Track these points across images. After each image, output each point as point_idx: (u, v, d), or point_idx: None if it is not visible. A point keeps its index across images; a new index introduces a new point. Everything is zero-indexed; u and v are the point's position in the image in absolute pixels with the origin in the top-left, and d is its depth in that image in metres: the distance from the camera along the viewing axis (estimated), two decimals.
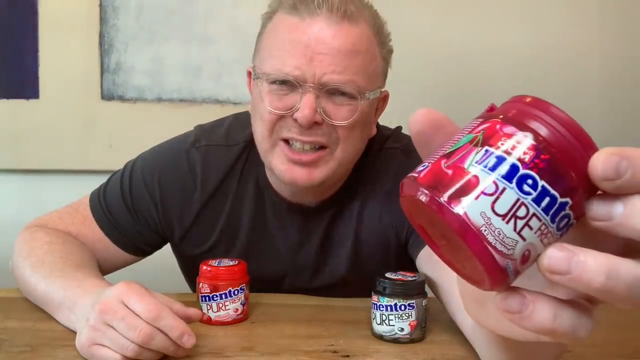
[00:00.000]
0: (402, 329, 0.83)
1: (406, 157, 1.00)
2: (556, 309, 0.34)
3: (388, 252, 1.01)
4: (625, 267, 0.32)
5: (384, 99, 0.97)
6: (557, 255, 0.32)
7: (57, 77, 1.71)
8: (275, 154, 0.91)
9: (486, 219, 0.32)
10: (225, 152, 1.02)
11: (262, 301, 0.98)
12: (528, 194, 0.32)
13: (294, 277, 1.04)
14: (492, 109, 0.37)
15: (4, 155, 1.74)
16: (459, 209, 0.32)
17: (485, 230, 0.32)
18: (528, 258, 0.33)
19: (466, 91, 1.77)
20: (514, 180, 0.32)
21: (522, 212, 0.32)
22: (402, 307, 0.82)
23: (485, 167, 0.33)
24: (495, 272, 0.33)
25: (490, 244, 0.32)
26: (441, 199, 0.33)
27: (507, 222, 0.32)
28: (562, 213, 0.33)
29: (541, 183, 0.32)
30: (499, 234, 0.32)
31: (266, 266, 1.03)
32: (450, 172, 0.33)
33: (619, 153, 0.31)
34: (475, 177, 0.33)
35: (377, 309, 0.84)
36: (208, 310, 0.89)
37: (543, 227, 0.32)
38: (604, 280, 0.32)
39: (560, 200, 0.33)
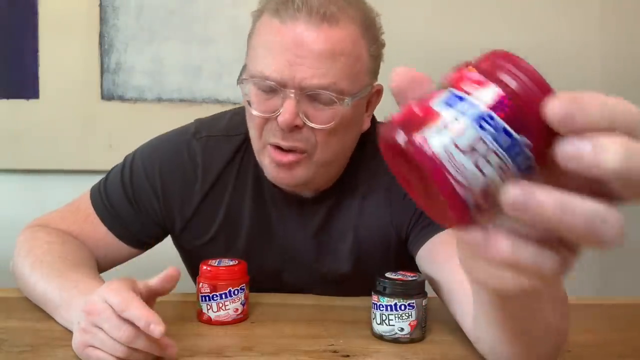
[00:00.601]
0: (402, 329, 0.83)
1: None
2: (515, 240, 0.36)
3: (388, 250, 1.01)
4: (582, 204, 0.34)
5: (377, 93, 0.97)
6: (515, 192, 0.34)
7: (57, 77, 1.72)
8: (265, 154, 0.93)
9: (449, 153, 0.35)
10: (225, 143, 1.03)
11: (262, 301, 0.98)
12: (488, 131, 0.35)
13: (293, 269, 1.04)
14: (466, 64, 0.40)
15: (4, 155, 1.74)
16: (424, 143, 0.35)
17: (447, 163, 0.35)
18: (488, 193, 0.35)
19: None
20: (477, 118, 0.35)
21: (482, 148, 0.35)
22: (402, 307, 0.82)
23: (449, 105, 0.36)
24: (457, 203, 0.35)
25: (452, 176, 0.35)
26: (409, 134, 0.36)
27: (468, 157, 0.35)
28: (523, 154, 0.35)
29: (502, 124, 0.35)
30: (460, 167, 0.35)
31: (265, 257, 1.03)
32: (417, 110, 0.37)
33: (570, 98, 0.34)
34: (439, 114, 0.36)
35: (377, 309, 0.84)
36: (208, 310, 0.89)
37: (503, 165, 0.35)
38: (560, 214, 0.34)
39: (519, 140, 0.35)
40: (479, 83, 0.36)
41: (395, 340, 0.83)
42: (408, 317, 0.82)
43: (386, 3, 1.73)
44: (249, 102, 0.91)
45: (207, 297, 0.89)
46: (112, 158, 1.74)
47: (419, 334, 0.84)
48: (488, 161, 0.35)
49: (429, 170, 0.35)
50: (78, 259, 0.92)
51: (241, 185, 1.02)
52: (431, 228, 0.92)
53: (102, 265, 1.00)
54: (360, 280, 0.95)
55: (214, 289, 0.88)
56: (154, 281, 0.78)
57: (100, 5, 1.71)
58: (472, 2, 1.77)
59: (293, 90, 0.85)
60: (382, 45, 0.94)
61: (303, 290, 1.04)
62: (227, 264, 0.90)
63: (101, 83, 1.73)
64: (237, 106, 1.11)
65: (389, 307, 0.82)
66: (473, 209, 0.36)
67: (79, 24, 1.71)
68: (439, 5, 1.77)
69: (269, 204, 1.02)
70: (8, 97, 1.72)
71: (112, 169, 1.07)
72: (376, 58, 0.93)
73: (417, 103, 0.37)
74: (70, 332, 0.82)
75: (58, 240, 0.96)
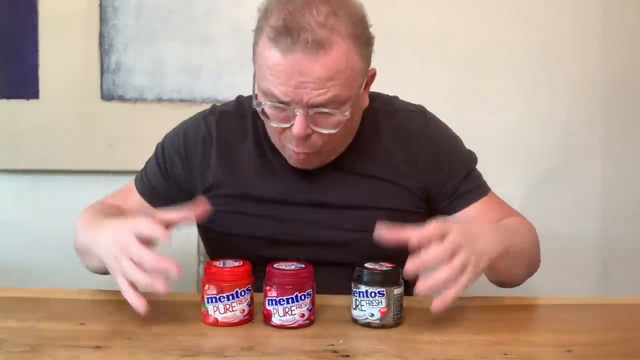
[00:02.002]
0: (373, 315, 0.88)
1: (425, 118, 1.15)
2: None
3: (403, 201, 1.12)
4: None
5: (372, 76, 1.07)
6: None
7: (57, 77, 1.72)
8: (284, 150, 1.07)
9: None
10: (235, 117, 1.16)
11: (262, 301, 0.98)
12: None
13: (308, 232, 1.10)
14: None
15: (4, 155, 1.74)
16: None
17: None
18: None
19: (467, 91, 1.77)
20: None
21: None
22: (373, 294, 0.88)
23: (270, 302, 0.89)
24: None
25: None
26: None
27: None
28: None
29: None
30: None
31: (280, 221, 1.11)
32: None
33: None
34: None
35: (353, 295, 0.90)
36: (215, 312, 0.88)
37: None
38: None
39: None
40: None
41: (367, 325, 0.89)
42: (378, 303, 0.88)
43: (389, 6, 1.73)
44: (264, 113, 1.02)
45: (213, 299, 0.88)
46: (112, 158, 1.76)
47: (390, 320, 0.89)
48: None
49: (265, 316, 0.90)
50: (116, 214, 1.08)
51: (255, 156, 1.13)
52: (468, 197, 1.11)
53: None
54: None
55: (220, 290, 0.88)
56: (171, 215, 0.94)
57: (100, 5, 1.71)
58: (475, 3, 1.77)
59: (302, 109, 0.97)
60: (372, 38, 1.02)
61: (317, 254, 1.06)
62: (232, 265, 0.90)
63: (101, 83, 1.73)
64: None
65: (361, 294, 0.89)
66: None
67: (79, 24, 1.71)
68: (439, 6, 1.77)
69: (284, 167, 1.11)
70: (8, 97, 1.72)
71: (149, 158, 1.21)
72: (368, 54, 1.02)
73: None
74: (71, 332, 0.85)
75: (104, 206, 1.15)
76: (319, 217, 1.10)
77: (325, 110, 0.97)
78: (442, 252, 0.83)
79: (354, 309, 0.90)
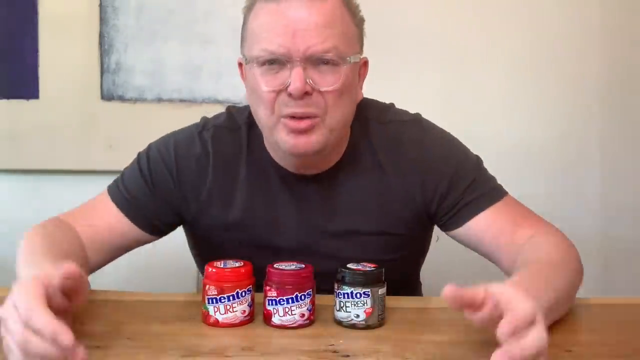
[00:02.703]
0: (358, 315, 0.88)
1: (421, 127, 1.09)
2: None
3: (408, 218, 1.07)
4: None
5: (364, 64, 1.05)
6: None
7: (57, 77, 1.72)
8: (278, 129, 0.98)
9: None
10: (228, 132, 1.10)
11: (262, 301, 0.98)
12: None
13: (308, 251, 1.04)
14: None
15: (4, 155, 1.74)
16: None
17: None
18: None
19: (464, 92, 1.77)
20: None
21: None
22: (358, 295, 0.87)
23: (270, 302, 0.89)
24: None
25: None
26: None
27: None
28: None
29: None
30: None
31: (279, 241, 1.06)
32: None
33: None
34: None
35: (337, 297, 0.89)
36: (215, 312, 0.88)
37: None
38: None
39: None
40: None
41: (353, 327, 0.88)
42: (364, 304, 0.87)
43: (391, 5, 1.73)
44: (255, 86, 0.97)
45: (214, 300, 0.88)
46: (112, 158, 1.76)
47: (375, 321, 0.88)
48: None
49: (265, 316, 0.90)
50: (57, 251, 0.92)
51: (248, 174, 1.07)
52: (476, 204, 1.03)
53: (115, 251, 1.06)
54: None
55: (221, 291, 0.88)
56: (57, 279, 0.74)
57: (100, 5, 1.71)
58: (474, 3, 1.77)
59: (298, 60, 0.93)
60: (362, 20, 1.02)
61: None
62: (232, 266, 0.90)
63: (101, 83, 1.73)
64: (237, 106, 1.15)
65: (346, 295, 0.88)
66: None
67: (79, 24, 1.71)
68: (439, 5, 1.77)
69: (276, 187, 1.07)
70: (8, 97, 1.72)
71: (125, 168, 1.11)
72: (360, 30, 1.02)
73: None
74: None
75: (48, 232, 1.00)
76: (314, 246, 1.05)
77: (324, 58, 0.94)
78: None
79: (338, 310, 0.89)
